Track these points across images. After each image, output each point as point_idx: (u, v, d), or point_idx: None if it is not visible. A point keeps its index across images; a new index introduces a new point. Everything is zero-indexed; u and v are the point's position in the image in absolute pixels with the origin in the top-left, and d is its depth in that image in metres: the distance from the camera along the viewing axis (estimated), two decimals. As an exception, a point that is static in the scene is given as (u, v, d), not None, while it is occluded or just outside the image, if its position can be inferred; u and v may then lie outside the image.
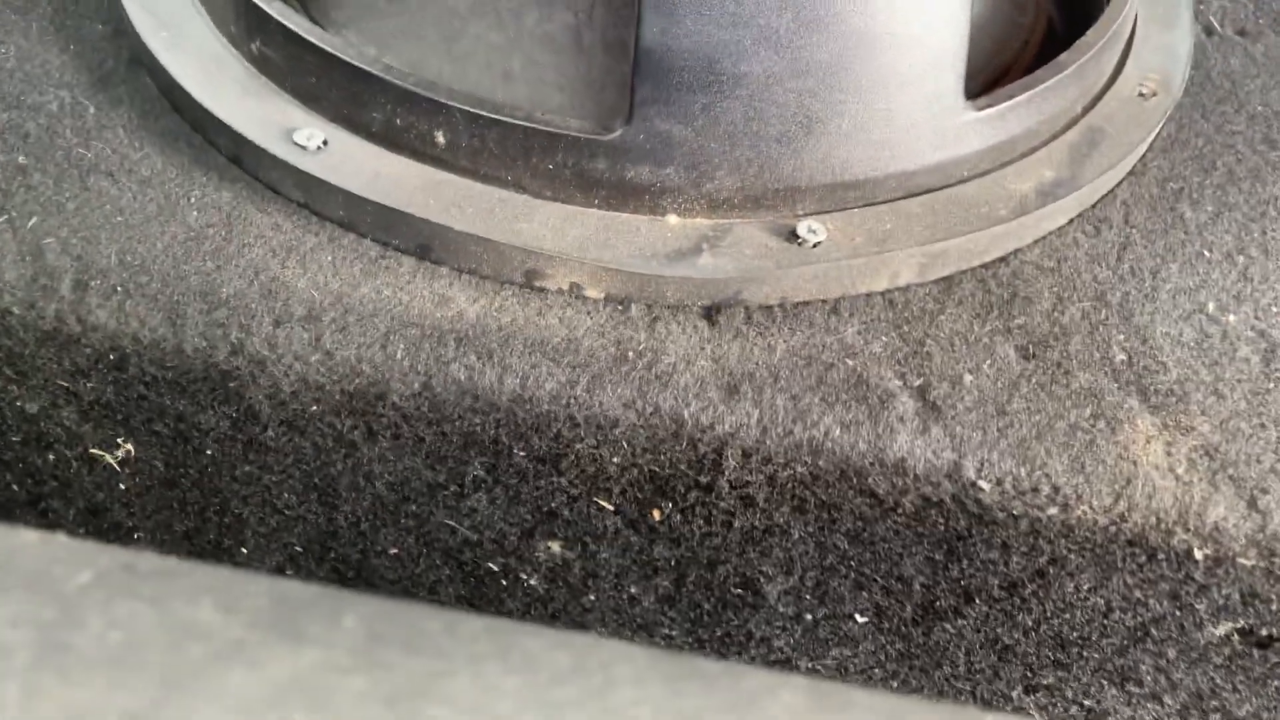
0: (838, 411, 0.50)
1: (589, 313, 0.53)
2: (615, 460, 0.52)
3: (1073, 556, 0.51)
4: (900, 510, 0.51)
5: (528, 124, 0.52)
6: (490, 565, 0.61)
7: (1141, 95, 0.63)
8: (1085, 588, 0.53)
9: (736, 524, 0.54)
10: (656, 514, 0.55)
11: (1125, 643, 0.56)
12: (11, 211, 0.54)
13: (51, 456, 0.60)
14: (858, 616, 0.58)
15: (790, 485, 0.51)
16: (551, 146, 0.53)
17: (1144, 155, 0.63)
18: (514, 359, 0.51)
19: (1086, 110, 0.62)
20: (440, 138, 0.54)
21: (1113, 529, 0.49)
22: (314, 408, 0.52)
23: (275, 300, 0.51)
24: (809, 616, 0.60)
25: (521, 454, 0.53)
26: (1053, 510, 0.49)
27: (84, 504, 0.63)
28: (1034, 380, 0.51)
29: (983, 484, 0.49)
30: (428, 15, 0.61)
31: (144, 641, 0.21)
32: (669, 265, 0.52)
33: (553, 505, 0.56)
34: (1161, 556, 0.50)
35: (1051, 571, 0.52)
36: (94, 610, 0.22)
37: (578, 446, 0.52)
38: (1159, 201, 0.61)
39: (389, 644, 0.23)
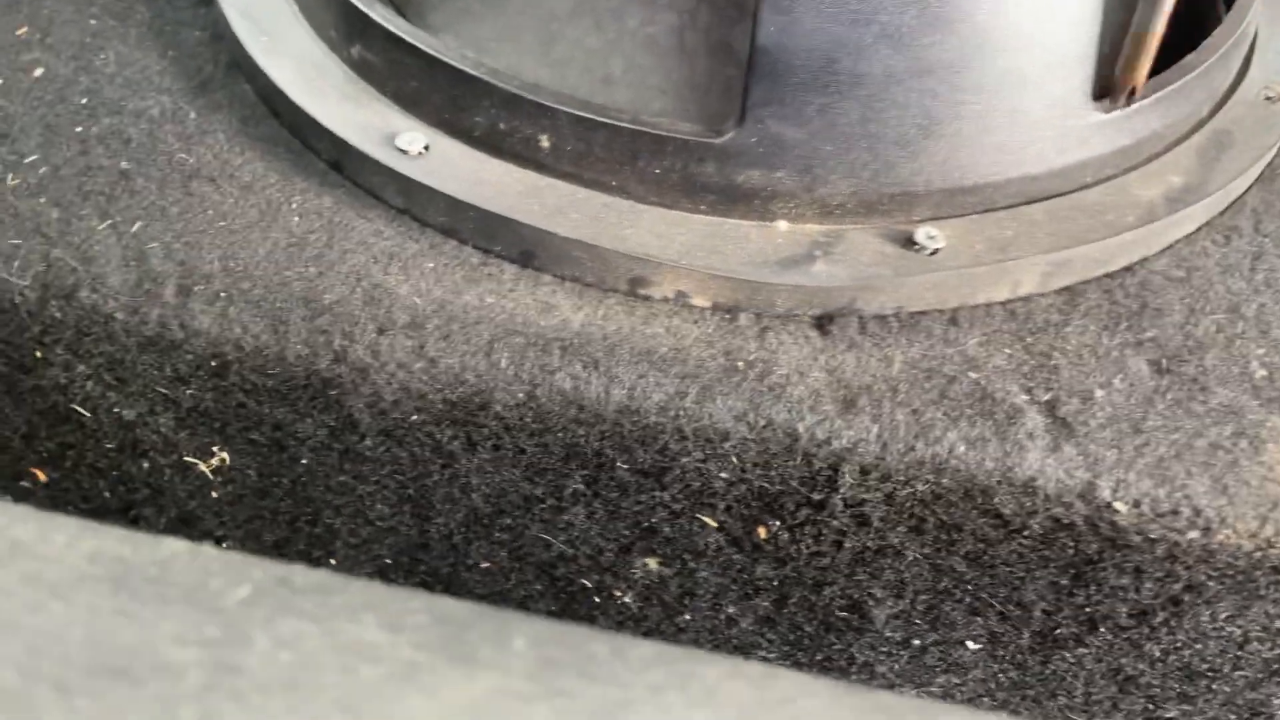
0: (962, 427, 0.47)
1: (696, 321, 0.51)
2: (723, 475, 0.50)
3: (1211, 583, 0.48)
4: (1027, 532, 0.48)
5: (635, 127, 0.51)
6: (584, 581, 0.60)
7: (1268, 99, 0.60)
8: (1222, 617, 0.50)
9: (847, 544, 0.52)
10: (762, 532, 0.53)
11: (1260, 676, 0.53)
12: (116, 216, 0.53)
13: (145, 464, 0.60)
14: (970, 643, 0.56)
15: (909, 504, 0.49)
16: (659, 150, 0.51)
17: (1272, 160, 0.60)
18: (620, 369, 0.49)
19: (1213, 113, 0.59)
20: (544, 142, 0.53)
21: (1257, 554, 0.46)
22: (415, 417, 0.51)
23: (378, 307, 0.50)
24: (917, 642, 0.57)
25: (624, 467, 0.51)
26: (1193, 534, 0.46)
27: (175, 512, 0.63)
28: (1169, 396, 0.49)
29: (1119, 505, 0.46)
30: (526, 19, 0.60)
31: (315, 662, 0.20)
32: (780, 273, 0.50)
33: (653, 521, 0.54)
34: (1311, 585, 0.47)
35: (1187, 599, 0.49)
36: (258, 628, 0.21)
37: (684, 460, 0.50)
38: (1291, 209, 0.57)
39: (563, 669, 0.21)
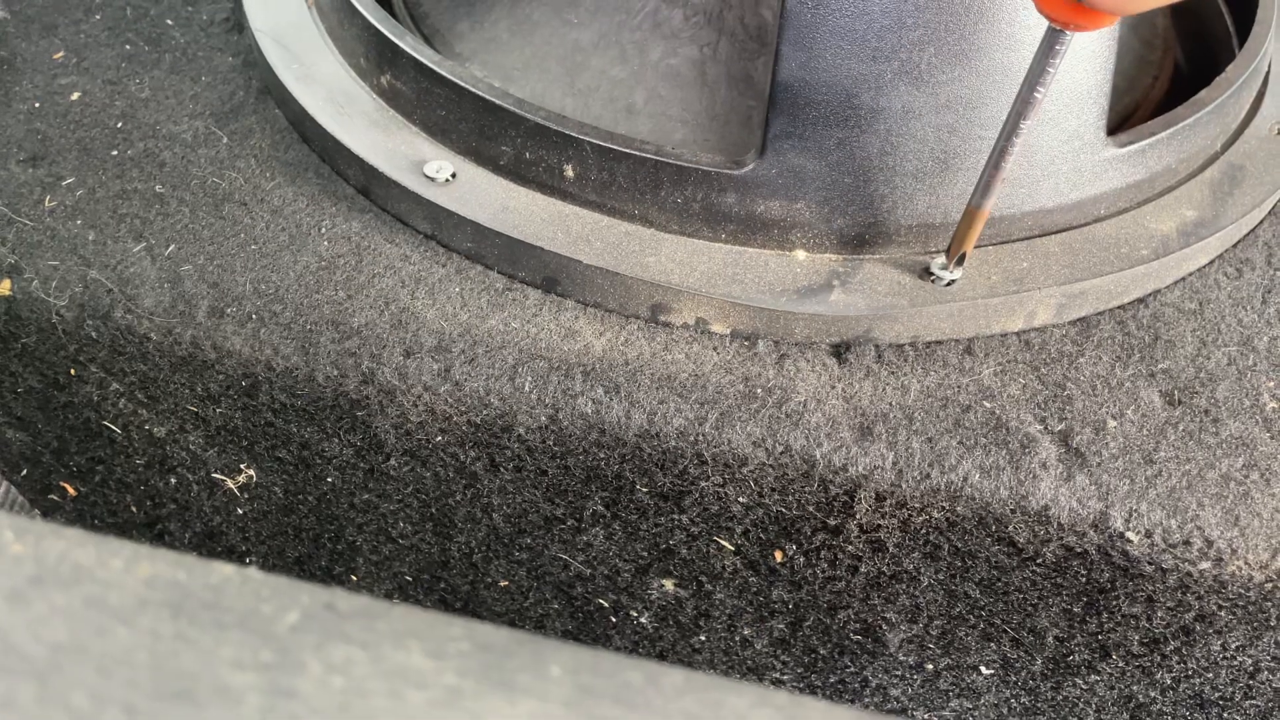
0: (977, 456, 0.48)
1: (715, 348, 0.52)
2: (741, 499, 0.51)
3: (1223, 613, 0.49)
4: (1040, 560, 0.49)
5: (658, 158, 0.52)
6: (600, 601, 0.61)
7: (1281, 133, 0.61)
8: (1234, 646, 0.50)
9: (863, 569, 0.53)
10: (779, 555, 0.54)
11: (1270, 705, 0.53)
12: (150, 239, 0.55)
13: (173, 480, 0.61)
14: (983, 668, 0.56)
15: (924, 531, 0.49)
16: (681, 180, 0.52)
17: (1284, 195, 0.60)
18: (641, 394, 0.50)
19: (1226, 148, 0.60)
20: (569, 171, 0.54)
21: (1269, 586, 0.47)
22: (439, 438, 0.52)
23: (405, 331, 0.51)
24: (930, 666, 0.58)
25: (644, 490, 0.52)
26: (1205, 565, 0.47)
27: (201, 527, 0.64)
28: (1181, 428, 0.49)
29: (1131, 535, 0.47)
30: (552, 49, 0.61)
31: (365, 688, 0.21)
32: (798, 301, 0.51)
33: (671, 543, 0.55)
34: (1322, 617, 0.47)
35: (1198, 628, 0.50)
36: (310, 653, 0.22)
37: (703, 484, 0.51)
38: (1303, 243, 0.58)
39: (599, 696, 0.22)
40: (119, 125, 0.60)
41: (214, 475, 0.59)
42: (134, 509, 0.65)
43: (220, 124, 0.61)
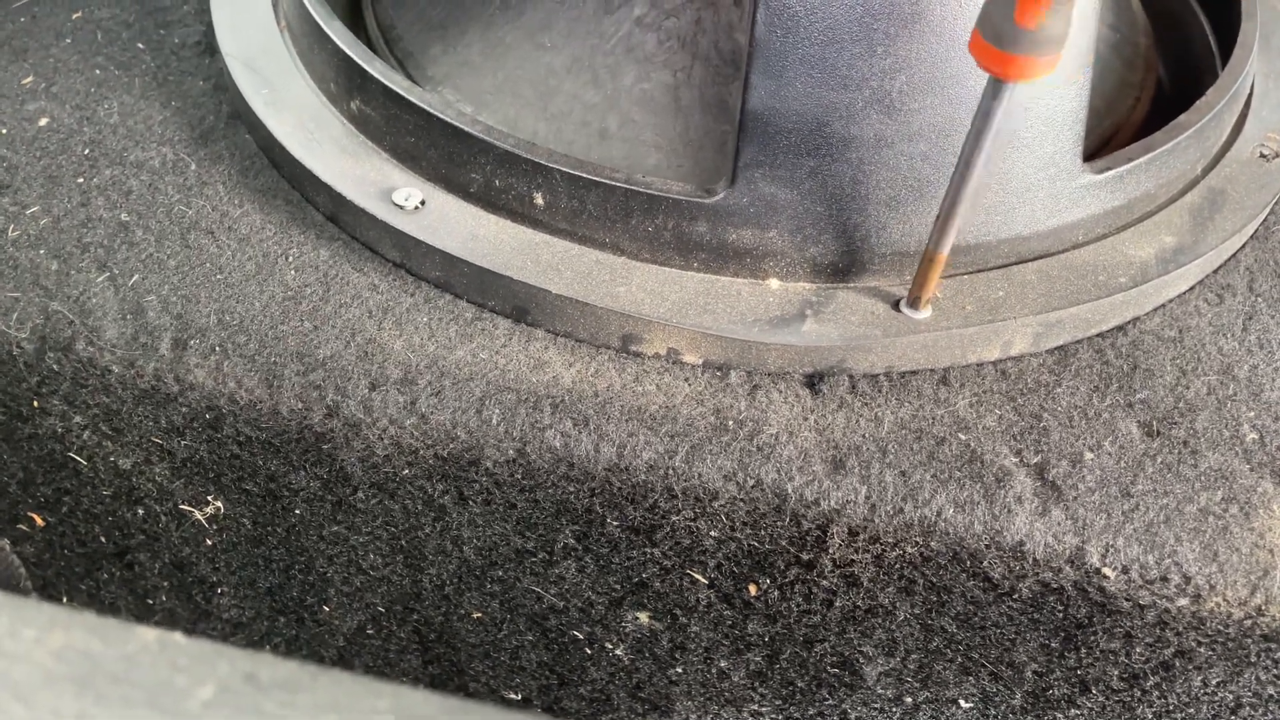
0: (951, 490, 0.47)
1: (687, 379, 0.51)
2: (713, 534, 0.50)
3: (1202, 650, 0.48)
4: (1016, 595, 0.48)
5: (629, 186, 0.51)
6: (575, 633, 0.60)
7: (1263, 156, 0.60)
8: (1214, 682, 0.49)
9: (838, 603, 0.52)
10: (753, 589, 0.53)
11: (1254, 741, 0.52)
12: (114, 269, 0.54)
13: (140, 511, 0.60)
14: (962, 702, 0.55)
15: (898, 565, 0.49)
16: (652, 209, 0.52)
17: (1266, 219, 0.60)
18: (610, 427, 0.49)
19: (1206, 172, 0.59)
20: (539, 199, 0.53)
21: (1248, 622, 0.46)
22: (406, 471, 0.51)
23: (371, 363, 0.51)
24: (909, 699, 0.57)
25: (615, 524, 0.51)
26: (1183, 601, 0.46)
27: (169, 558, 0.63)
28: (1159, 460, 0.49)
29: (1107, 571, 0.46)
30: (524, 73, 0.60)
31: (273, 773, 0.20)
32: (771, 331, 0.51)
33: (644, 576, 0.54)
34: (1302, 654, 0.46)
35: (1178, 664, 0.49)
36: (220, 733, 0.21)
37: (674, 518, 0.50)
38: (1285, 268, 0.57)
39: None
40: (86, 152, 0.60)
41: (181, 507, 0.58)
42: (103, 539, 0.64)
43: (189, 150, 0.60)
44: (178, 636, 0.24)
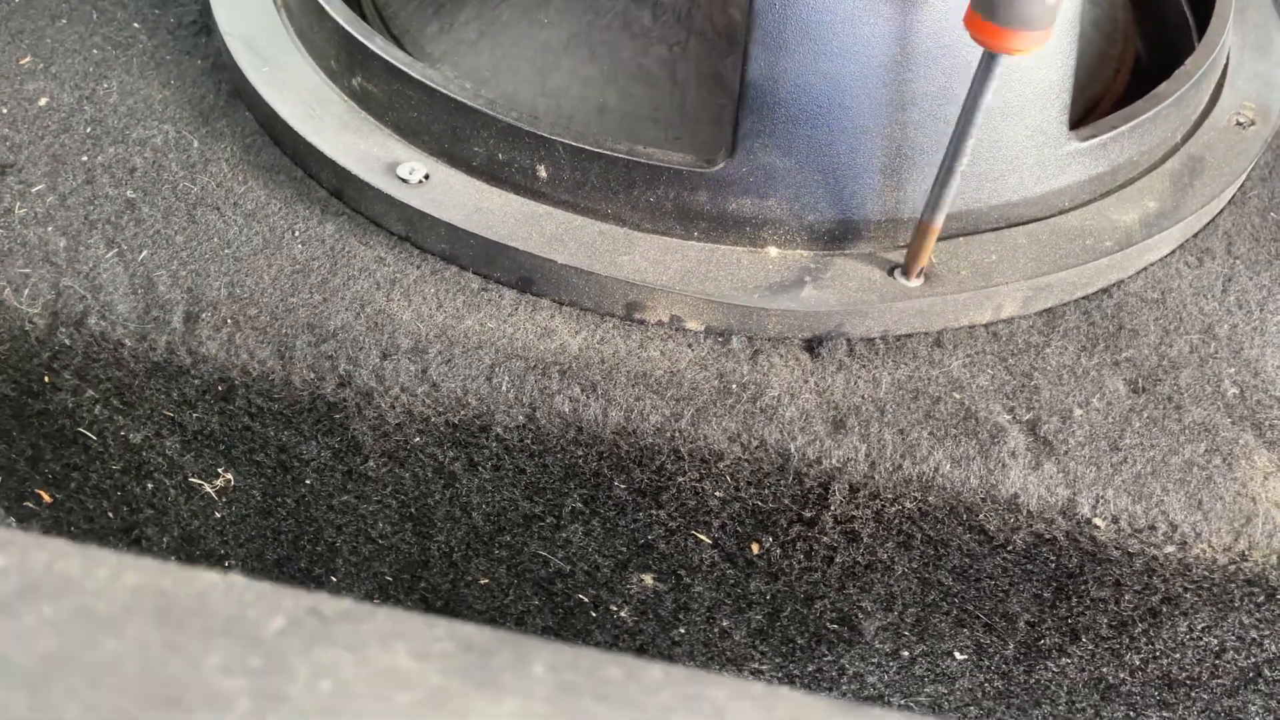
0: (948, 446, 0.49)
1: (690, 345, 0.53)
2: (718, 494, 0.52)
3: (1188, 596, 0.50)
4: (1010, 547, 0.50)
5: (630, 157, 0.52)
6: (581, 596, 0.61)
7: (1239, 124, 0.62)
8: (1199, 627, 0.52)
9: (838, 559, 0.53)
10: (755, 548, 0.55)
11: (1236, 683, 0.55)
12: (122, 245, 0.55)
13: (150, 485, 0.61)
14: (957, 654, 0.58)
15: (897, 521, 0.50)
16: (654, 180, 0.53)
17: (1243, 184, 0.62)
18: (618, 391, 0.51)
19: (1186, 139, 0.61)
20: (542, 171, 0.54)
21: (1232, 568, 0.48)
22: (417, 439, 0.53)
23: (382, 333, 0.52)
24: (906, 653, 0.59)
25: (622, 487, 0.53)
26: (1170, 549, 0.48)
27: (179, 531, 0.64)
28: (1145, 415, 0.51)
29: (1098, 521, 0.48)
30: (522, 50, 0.61)
31: (352, 690, 0.21)
32: (771, 298, 0.52)
33: (649, 538, 0.56)
34: (1282, 596, 0.49)
35: (1165, 610, 0.51)
36: (297, 657, 0.22)
37: (680, 480, 0.52)
38: (1261, 232, 0.60)
39: (580, 693, 0.23)
40: (89, 130, 0.60)
41: (191, 480, 0.59)
42: (111, 515, 0.64)
43: (191, 128, 0.61)
44: (237, 577, 0.25)
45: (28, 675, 0.20)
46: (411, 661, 0.23)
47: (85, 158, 0.59)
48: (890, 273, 0.53)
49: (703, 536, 0.55)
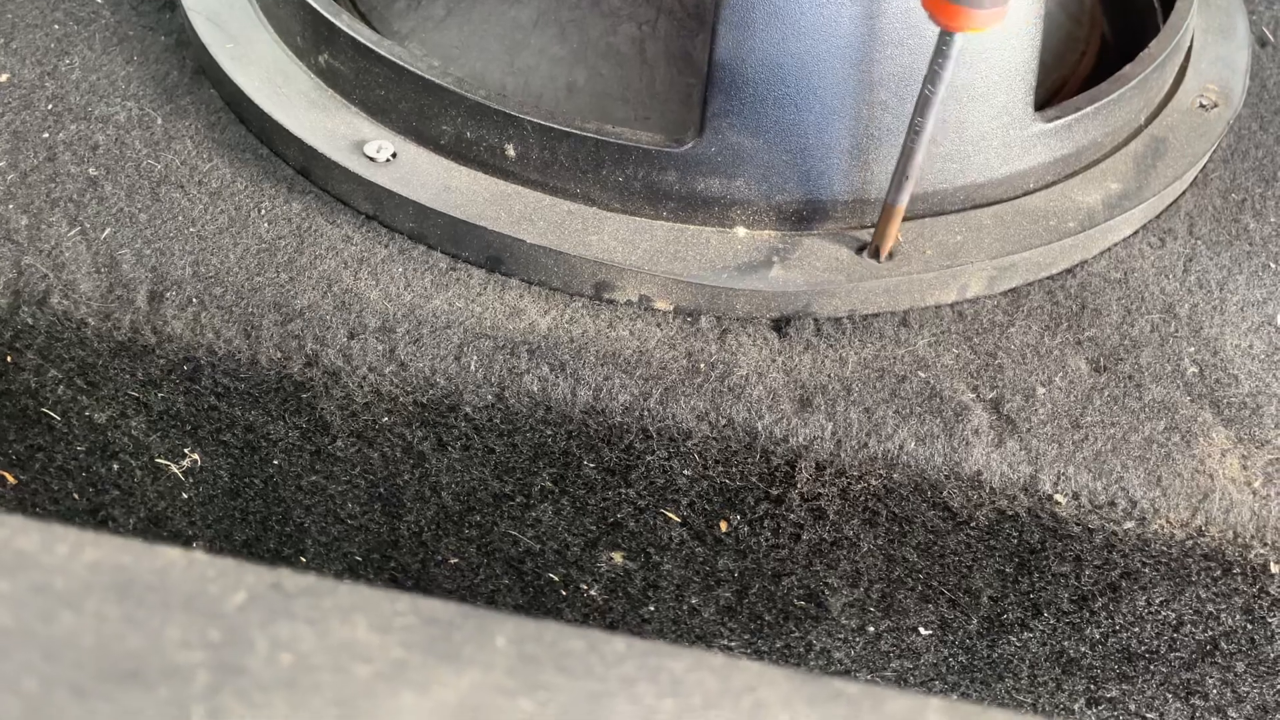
0: (912, 424, 0.50)
1: (659, 325, 0.53)
2: (686, 472, 0.52)
3: (1147, 570, 0.51)
4: (974, 523, 0.51)
5: (599, 137, 0.52)
6: (551, 575, 0.61)
7: (1202, 106, 0.63)
8: (1157, 601, 0.53)
9: (805, 536, 0.54)
10: (724, 526, 0.55)
11: (1194, 656, 0.56)
12: (85, 223, 0.54)
13: (115, 465, 0.61)
14: (922, 629, 0.58)
15: (863, 498, 0.51)
16: (622, 159, 0.53)
17: (1205, 166, 0.63)
18: (587, 371, 0.51)
19: (1149, 121, 0.62)
20: (510, 150, 0.54)
21: (1189, 543, 0.49)
22: (385, 419, 0.53)
23: (349, 312, 0.52)
24: (871, 629, 0.60)
25: (591, 465, 0.53)
26: (1129, 524, 0.49)
27: (145, 512, 0.64)
28: (1107, 393, 0.51)
29: (1059, 498, 0.49)
30: (490, 27, 0.61)
31: (312, 663, 0.22)
32: (739, 278, 0.52)
33: (618, 516, 0.56)
34: (1237, 571, 0.50)
35: (1124, 585, 0.52)
36: (257, 631, 0.22)
37: (649, 458, 0.52)
38: (1222, 213, 0.60)
39: (542, 665, 0.23)
40: (50, 107, 0.59)
41: (157, 460, 0.59)
42: (76, 496, 0.64)
43: (154, 105, 0.60)
44: (199, 554, 0.25)
45: (-16, 650, 0.20)
46: (372, 635, 0.23)
47: (46, 135, 0.58)
48: (858, 252, 0.53)
49: (671, 515, 0.55)
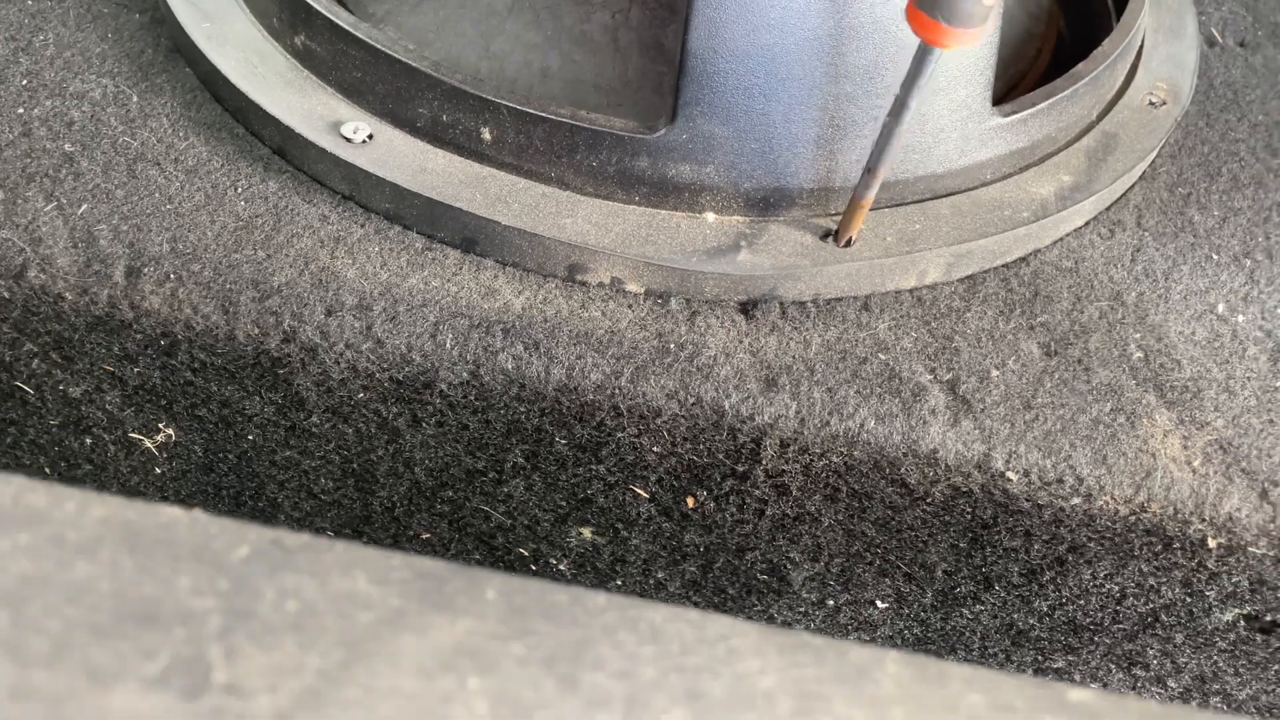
0: (873, 404, 0.52)
1: (630, 306, 0.55)
2: (655, 449, 0.54)
3: (1092, 545, 0.54)
4: (930, 499, 0.53)
5: (574, 122, 0.54)
6: (521, 550, 0.63)
7: (1152, 104, 0.65)
8: (1102, 575, 0.55)
9: (769, 512, 0.56)
10: (690, 502, 0.57)
11: (1135, 628, 0.59)
12: (61, 198, 0.54)
13: (89, 440, 0.61)
14: (879, 602, 0.61)
15: (825, 474, 0.53)
16: (596, 144, 0.54)
17: (1153, 161, 0.65)
18: (560, 350, 0.52)
19: (1101, 117, 0.64)
20: (486, 134, 0.55)
21: (1132, 519, 0.52)
22: (361, 395, 0.54)
23: (326, 290, 0.53)
24: (831, 602, 0.62)
25: (563, 442, 0.55)
26: (1076, 500, 0.51)
27: (118, 488, 0.64)
28: (1057, 376, 0.54)
29: (1010, 475, 0.51)
30: (466, 12, 0.62)
31: (317, 609, 0.23)
32: (708, 261, 0.54)
33: (589, 492, 0.58)
34: (1177, 545, 0.52)
35: (1070, 559, 0.55)
36: (263, 581, 0.24)
37: (619, 435, 0.54)
38: (1169, 206, 0.63)
39: (530, 615, 0.24)
40: (25, 83, 0.59)
41: (131, 435, 0.60)
42: (49, 470, 0.64)
43: (130, 82, 0.60)
44: (200, 513, 0.26)
45: (7, 595, 0.22)
46: (371, 586, 0.24)
47: (21, 110, 0.58)
48: (822, 239, 0.55)
49: (640, 491, 0.57)
